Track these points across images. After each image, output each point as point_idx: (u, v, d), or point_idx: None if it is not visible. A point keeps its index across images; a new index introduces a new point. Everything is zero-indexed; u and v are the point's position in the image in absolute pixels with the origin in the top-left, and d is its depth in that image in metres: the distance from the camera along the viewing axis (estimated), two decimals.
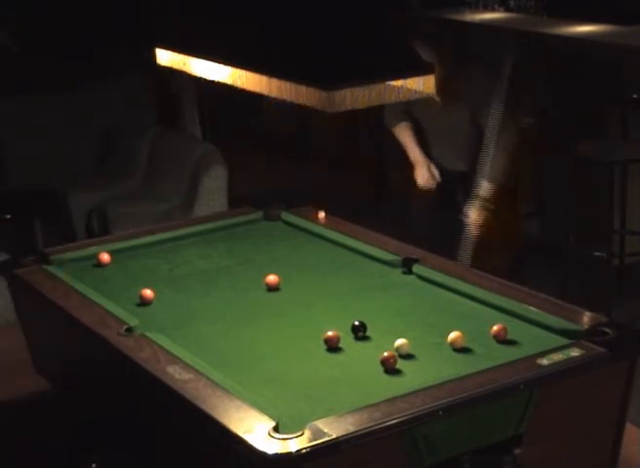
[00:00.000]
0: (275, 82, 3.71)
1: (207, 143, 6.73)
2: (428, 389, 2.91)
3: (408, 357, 3.20)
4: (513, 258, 5.31)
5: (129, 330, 3.41)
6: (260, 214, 4.58)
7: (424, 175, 5.08)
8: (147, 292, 3.71)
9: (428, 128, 5.10)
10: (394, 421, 2.76)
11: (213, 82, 4.24)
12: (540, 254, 6.17)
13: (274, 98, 3.50)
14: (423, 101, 4.35)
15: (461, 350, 3.23)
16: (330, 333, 3.31)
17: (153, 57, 4.57)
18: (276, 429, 2.73)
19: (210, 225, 4.52)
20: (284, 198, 4.85)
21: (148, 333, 3.37)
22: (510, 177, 4.95)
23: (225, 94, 5.19)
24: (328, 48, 3.40)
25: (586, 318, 3.35)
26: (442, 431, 2.83)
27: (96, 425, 3.58)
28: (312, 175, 8.07)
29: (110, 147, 7.18)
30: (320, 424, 2.73)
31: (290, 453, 2.64)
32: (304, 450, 2.64)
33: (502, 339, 3.27)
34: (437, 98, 4.78)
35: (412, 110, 5.08)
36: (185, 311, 3.66)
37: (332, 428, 2.71)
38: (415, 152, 5.11)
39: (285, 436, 2.69)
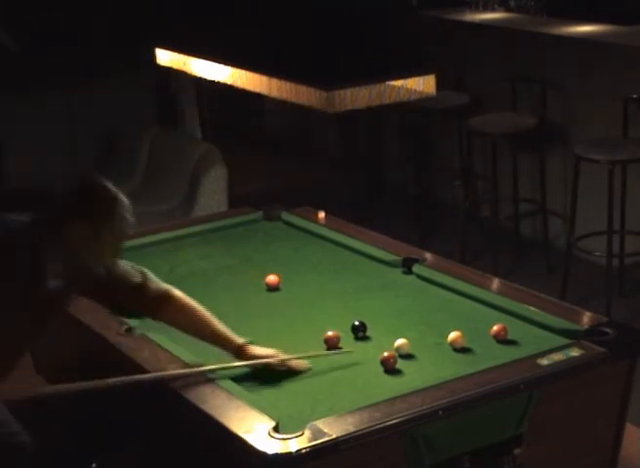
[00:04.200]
0: (275, 82, 3.71)
1: (207, 143, 6.72)
2: (428, 389, 2.91)
3: (408, 357, 3.20)
4: None
5: (129, 330, 3.41)
6: (259, 214, 4.58)
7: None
8: None
9: None
10: (394, 421, 2.76)
11: (213, 82, 4.24)
12: (540, 254, 6.17)
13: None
14: None
15: (461, 350, 3.23)
16: (330, 333, 3.31)
17: (153, 57, 4.57)
18: (276, 429, 2.73)
19: (210, 225, 4.52)
20: (284, 198, 4.85)
21: (148, 333, 3.37)
22: None
23: (225, 94, 5.20)
24: (328, 48, 3.40)
25: (586, 318, 3.35)
26: (442, 431, 2.83)
27: (96, 425, 3.57)
28: (312, 175, 8.07)
29: (110, 147, 7.17)
30: (320, 424, 2.73)
31: (290, 453, 2.64)
32: (304, 450, 2.64)
33: (502, 339, 3.27)
34: None
35: None
36: None
37: (332, 428, 2.71)
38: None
39: (285, 436, 2.69)
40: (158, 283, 3.18)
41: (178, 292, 3.19)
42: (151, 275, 3.18)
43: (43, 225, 2.88)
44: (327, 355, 3.22)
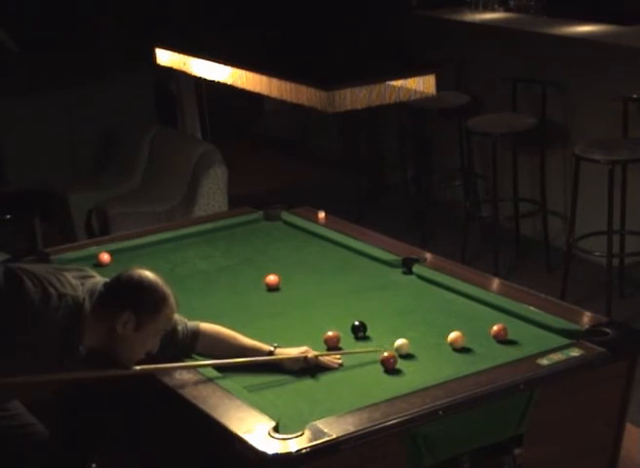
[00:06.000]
0: (275, 82, 3.71)
1: (207, 143, 6.72)
2: (428, 389, 2.91)
3: (408, 357, 3.20)
4: None
5: None
6: (260, 214, 4.58)
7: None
8: None
9: None
10: (394, 421, 2.76)
11: (213, 82, 4.24)
12: (540, 254, 6.17)
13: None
14: None
15: (461, 350, 3.23)
16: (330, 333, 3.31)
17: (153, 57, 4.58)
18: (276, 429, 2.73)
19: (210, 225, 4.52)
20: (284, 198, 4.85)
21: None
22: None
23: (225, 94, 5.20)
24: (328, 48, 3.41)
25: (586, 318, 3.35)
26: (442, 431, 2.83)
27: (96, 425, 3.58)
28: (312, 175, 8.08)
29: (110, 147, 7.18)
30: (320, 424, 2.73)
31: (290, 453, 2.64)
32: (304, 450, 2.64)
33: (502, 339, 3.27)
34: None
35: None
36: (185, 311, 3.65)
37: (332, 428, 2.71)
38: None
39: (285, 436, 2.69)
40: (185, 324, 3.26)
41: (204, 326, 3.29)
42: (178, 318, 3.23)
43: (97, 299, 3.03)
44: (354, 353, 3.23)
